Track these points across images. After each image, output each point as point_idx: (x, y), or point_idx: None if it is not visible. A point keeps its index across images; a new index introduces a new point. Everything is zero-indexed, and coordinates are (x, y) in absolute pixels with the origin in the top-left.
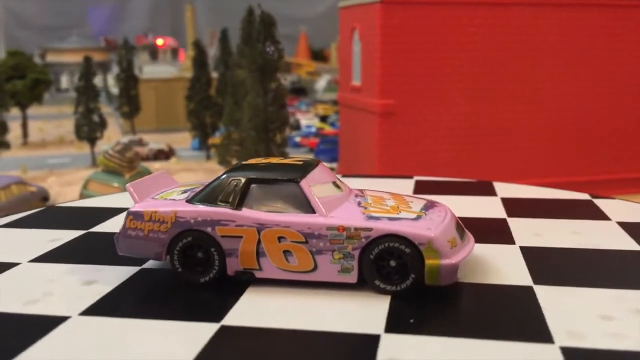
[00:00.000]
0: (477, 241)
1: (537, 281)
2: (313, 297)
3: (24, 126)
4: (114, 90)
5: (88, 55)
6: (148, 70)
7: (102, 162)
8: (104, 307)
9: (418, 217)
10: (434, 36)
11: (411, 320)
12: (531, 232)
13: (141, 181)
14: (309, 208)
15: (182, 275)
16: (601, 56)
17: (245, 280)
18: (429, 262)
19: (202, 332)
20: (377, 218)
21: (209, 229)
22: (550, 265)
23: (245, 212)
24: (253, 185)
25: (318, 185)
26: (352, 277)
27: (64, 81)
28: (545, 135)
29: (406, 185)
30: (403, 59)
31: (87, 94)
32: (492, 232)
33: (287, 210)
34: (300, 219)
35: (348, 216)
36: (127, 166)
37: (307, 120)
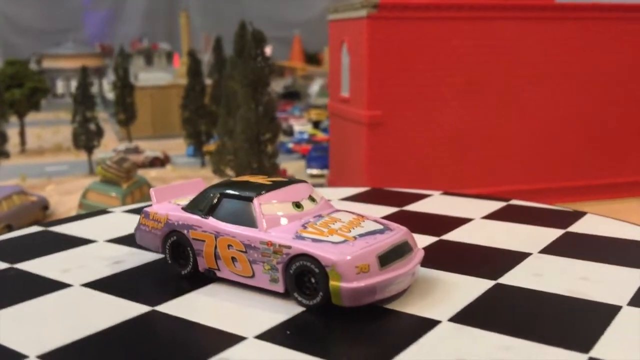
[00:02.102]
0: (461, 272)
1: (452, 318)
2: (246, 298)
3: (22, 134)
4: (110, 95)
5: (85, 65)
6: (143, 77)
7: (100, 173)
8: (101, 282)
9: (343, 242)
10: (420, 49)
11: (287, 332)
12: (535, 272)
13: (167, 187)
14: (255, 223)
15: (171, 266)
16: (584, 67)
17: (211, 277)
18: (331, 283)
19: (132, 311)
20: (303, 238)
21: (185, 231)
22: (495, 305)
23: (210, 220)
24: (224, 199)
25: (272, 203)
26: (279, 287)
27: (60, 86)
28: (533, 144)
29: (490, 207)
30: (390, 72)
31: (84, 104)
32: (490, 265)
33: (241, 222)
34: (243, 232)
35: (281, 234)
36: (124, 177)
37: (300, 126)
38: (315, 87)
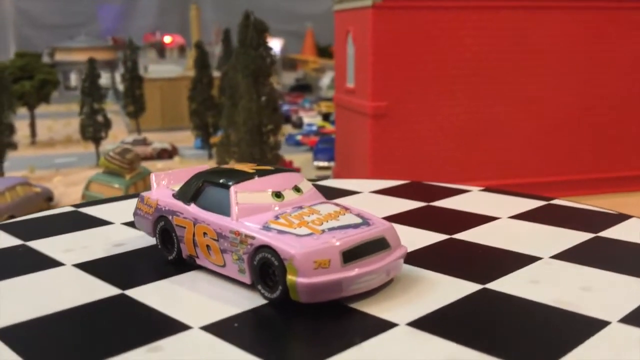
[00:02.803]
0: (451, 273)
1: (412, 322)
2: (218, 287)
3: (32, 126)
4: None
5: (92, 57)
6: (153, 69)
7: (103, 164)
8: (92, 263)
9: (308, 235)
10: (425, 39)
11: (235, 324)
12: (534, 278)
13: (169, 172)
14: (229, 211)
15: (161, 251)
16: (592, 57)
17: (192, 265)
18: (288, 277)
19: (102, 293)
20: (269, 229)
21: (170, 217)
22: (465, 312)
23: (192, 207)
24: (207, 187)
25: (250, 192)
26: (246, 278)
27: (73, 79)
28: (538, 135)
29: (525, 206)
30: (395, 62)
31: (91, 95)
32: (487, 268)
33: (218, 210)
34: (216, 220)
35: (250, 224)
36: (127, 168)
37: (310, 118)
38: (326, 79)
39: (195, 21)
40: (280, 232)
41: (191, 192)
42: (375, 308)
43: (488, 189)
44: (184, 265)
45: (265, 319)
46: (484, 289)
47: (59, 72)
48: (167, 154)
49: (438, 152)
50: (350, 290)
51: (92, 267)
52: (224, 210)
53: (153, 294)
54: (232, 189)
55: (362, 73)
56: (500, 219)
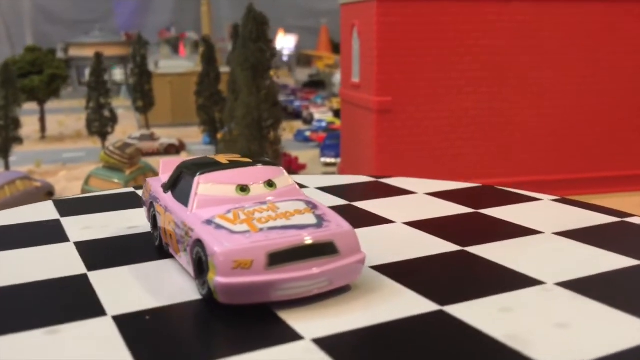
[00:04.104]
0: (416, 289)
1: (319, 340)
2: (177, 279)
3: (42, 120)
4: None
5: (98, 52)
6: (164, 64)
7: (103, 159)
8: (91, 242)
9: (243, 232)
10: (432, 33)
11: (147, 317)
12: (510, 306)
13: (177, 158)
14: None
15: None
16: (603, 51)
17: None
18: (209, 275)
19: (71, 270)
20: (210, 223)
21: (155, 203)
22: (393, 336)
23: (167, 195)
24: (183, 176)
25: (214, 184)
26: (192, 272)
27: (88, 75)
28: (546, 132)
29: (587, 221)
30: (400, 56)
31: (98, 90)
32: (465, 287)
33: (185, 200)
34: (177, 209)
35: (198, 216)
36: (127, 162)
37: (321, 114)
38: (339, 76)
39: (206, 17)
40: (218, 226)
41: (171, 180)
42: (296, 316)
43: (562, 199)
44: (167, 252)
45: (183, 315)
46: (439, 311)
47: (74, 67)
48: (174, 149)
49: (445, 149)
50: (278, 295)
51: (88, 246)
52: (188, 201)
53: (108, 278)
54: (196, 179)
55: (367, 67)
56: (542, 234)
